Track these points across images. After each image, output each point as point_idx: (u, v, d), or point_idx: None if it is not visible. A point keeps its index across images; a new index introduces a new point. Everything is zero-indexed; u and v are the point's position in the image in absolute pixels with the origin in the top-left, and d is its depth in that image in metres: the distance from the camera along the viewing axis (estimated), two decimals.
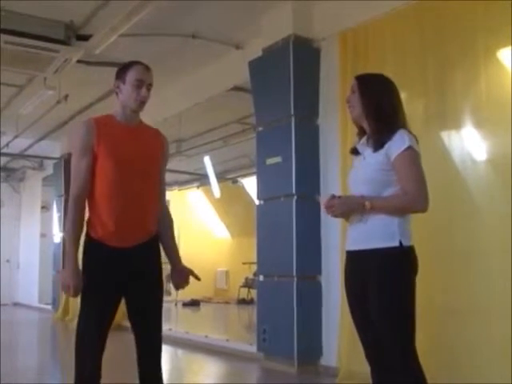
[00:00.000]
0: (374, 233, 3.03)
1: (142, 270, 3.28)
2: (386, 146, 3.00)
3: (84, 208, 3.23)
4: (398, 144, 2.97)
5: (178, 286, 3.51)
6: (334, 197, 3.08)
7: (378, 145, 3.04)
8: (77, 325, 3.25)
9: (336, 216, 3.12)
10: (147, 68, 3.32)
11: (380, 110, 3.08)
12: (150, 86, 3.31)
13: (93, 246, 3.22)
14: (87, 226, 3.26)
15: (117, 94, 3.33)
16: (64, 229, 3.17)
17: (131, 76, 3.25)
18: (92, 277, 3.18)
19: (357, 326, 3.19)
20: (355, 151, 3.28)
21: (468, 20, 4.89)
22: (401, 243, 2.96)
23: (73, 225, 3.18)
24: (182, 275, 3.50)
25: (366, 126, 3.17)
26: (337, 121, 6.10)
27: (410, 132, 3.04)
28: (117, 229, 3.18)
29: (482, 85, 4.76)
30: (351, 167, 3.37)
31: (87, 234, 3.24)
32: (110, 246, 3.20)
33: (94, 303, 3.20)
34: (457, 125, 4.91)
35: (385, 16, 5.61)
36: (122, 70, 3.31)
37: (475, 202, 4.73)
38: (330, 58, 6.37)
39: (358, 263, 3.11)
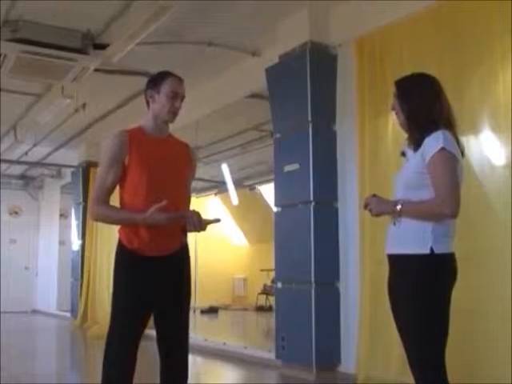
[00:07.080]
0: (406, 238, 2.94)
1: (175, 279, 3.30)
2: (422, 146, 2.91)
3: (107, 204, 3.26)
4: (432, 146, 2.86)
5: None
6: (374, 196, 3.09)
7: (415, 145, 2.98)
8: (107, 335, 3.22)
9: (373, 215, 3.08)
10: (181, 80, 3.38)
11: (414, 112, 3.01)
12: (183, 98, 3.38)
13: (128, 256, 3.22)
14: (120, 236, 3.28)
15: (148, 103, 3.36)
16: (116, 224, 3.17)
17: (167, 87, 3.29)
18: (127, 286, 3.20)
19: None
20: (404, 154, 3.19)
21: (485, 24, 4.86)
22: (432, 250, 2.85)
23: (109, 215, 3.26)
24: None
25: (407, 128, 3.11)
26: (354, 127, 6.09)
27: (451, 133, 2.92)
28: (151, 239, 3.20)
29: (500, 88, 4.72)
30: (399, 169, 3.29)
31: (121, 245, 3.25)
32: (146, 256, 3.21)
33: (127, 313, 3.19)
34: (474, 129, 4.87)
35: (401, 21, 5.60)
36: (157, 80, 3.34)
37: (493, 206, 4.69)
38: (347, 63, 6.36)
39: (392, 267, 3.05)
